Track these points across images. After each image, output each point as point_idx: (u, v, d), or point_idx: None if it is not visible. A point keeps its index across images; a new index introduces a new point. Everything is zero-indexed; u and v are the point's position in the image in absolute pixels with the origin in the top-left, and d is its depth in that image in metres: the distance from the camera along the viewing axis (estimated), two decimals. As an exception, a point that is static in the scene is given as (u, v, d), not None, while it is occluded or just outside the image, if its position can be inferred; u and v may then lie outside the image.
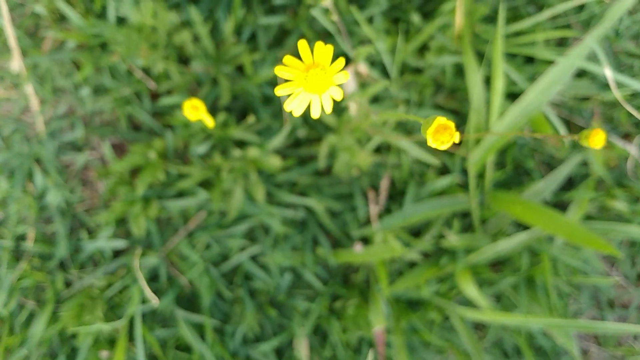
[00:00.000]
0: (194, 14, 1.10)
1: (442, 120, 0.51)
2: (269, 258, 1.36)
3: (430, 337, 1.41)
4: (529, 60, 1.44)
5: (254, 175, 1.19)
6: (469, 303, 1.45)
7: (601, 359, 1.77)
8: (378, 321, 1.29)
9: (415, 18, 1.29)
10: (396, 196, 1.43)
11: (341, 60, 0.54)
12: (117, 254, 1.35)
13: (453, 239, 1.35)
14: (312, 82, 0.54)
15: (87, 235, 1.31)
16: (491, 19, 1.36)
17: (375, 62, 1.36)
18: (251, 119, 1.17)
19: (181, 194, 1.30)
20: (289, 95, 0.56)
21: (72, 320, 1.22)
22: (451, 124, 0.52)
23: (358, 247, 1.22)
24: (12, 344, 1.26)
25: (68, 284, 1.34)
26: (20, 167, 1.28)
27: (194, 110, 0.84)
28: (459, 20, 1.24)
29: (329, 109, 0.56)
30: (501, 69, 1.20)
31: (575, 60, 1.17)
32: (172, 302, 1.32)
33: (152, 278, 1.35)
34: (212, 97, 1.26)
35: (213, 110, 1.28)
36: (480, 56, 1.36)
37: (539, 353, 1.61)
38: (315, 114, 0.57)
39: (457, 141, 0.51)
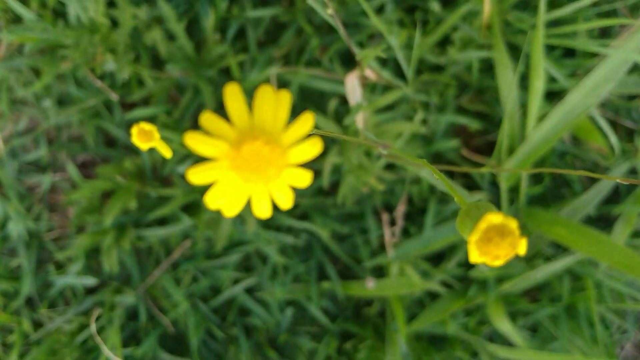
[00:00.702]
0: (166, 8, 0.91)
1: (496, 219, 0.30)
2: (267, 291, 1.17)
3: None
4: (568, 53, 1.23)
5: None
6: (500, 338, 1.25)
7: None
8: (395, 367, 1.09)
9: (435, 6, 1.08)
10: (414, 215, 1.23)
11: (308, 119, 0.30)
12: (90, 289, 1.16)
13: (484, 268, 1.14)
14: (249, 165, 0.31)
15: (55, 269, 1.13)
16: (525, 4, 1.14)
17: (387, 60, 1.16)
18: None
19: (162, 221, 1.11)
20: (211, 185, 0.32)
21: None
22: (514, 225, 0.30)
23: (370, 284, 1.03)
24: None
25: (38, 324, 1.16)
26: (-24, 193, 1.10)
27: (145, 137, 0.64)
28: (487, 7, 1.03)
29: (287, 204, 0.33)
30: (542, 66, 0.99)
31: (630, 54, 0.95)
32: (154, 345, 1.13)
33: (132, 316, 1.16)
34: (195, 105, 1.07)
35: (197, 121, 1.09)
36: (513, 50, 1.14)
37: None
38: (262, 214, 0.34)
39: (522, 253, 0.30)
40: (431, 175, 0.75)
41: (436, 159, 1.22)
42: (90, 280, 1.09)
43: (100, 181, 0.98)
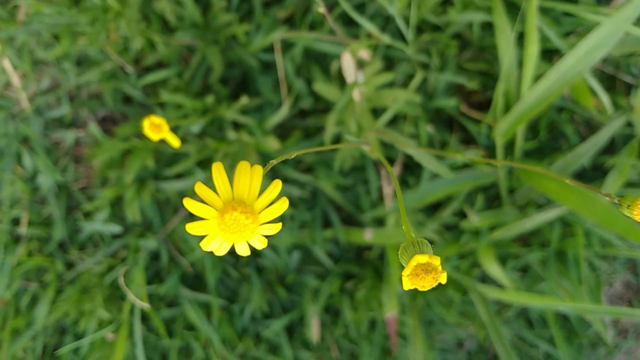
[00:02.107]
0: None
1: (422, 259, 0.38)
2: (275, 236, 1.28)
3: (449, 315, 1.33)
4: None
5: (253, 157, 1.08)
6: (490, 279, 1.36)
7: (633, 324, 1.68)
8: (390, 306, 1.21)
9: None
10: (413, 167, 1.31)
11: (276, 186, 0.39)
12: (117, 235, 1.28)
13: (475, 219, 1.23)
14: (230, 229, 0.40)
15: (83, 217, 1.25)
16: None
17: (388, 20, 1.19)
18: (244, 100, 1.05)
19: (179, 174, 1.20)
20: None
21: (74, 306, 1.18)
22: (437, 262, 0.39)
23: (368, 235, 1.12)
24: (18, 325, 1.24)
25: (71, 265, 1.30)
26: (8, 148, 1.20)
27: (156, 129, 0.71)
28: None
29: (262, 246, 0.43)
30: (536, 32, 1.01)
31: (622, 25, 0.97)
32: (176, 283, 1.26)
33: (155, 258, 1.29)
34: (204, 67, 1.13)
35: (207, 83, 1.16)
36: (514, 7, 1.16)
37: (566, 323, 1.52)
38: (243, 254, 0.44)
39: (443, 282, 0.39)
40: (418, 154, 0.82)
41: (437, 114, 1.28)
42: (116, 228, 1.21)
43: (119, 141, 1.07)
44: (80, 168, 1.28)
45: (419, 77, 1.12)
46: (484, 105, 1.31)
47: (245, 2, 1.12)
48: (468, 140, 1.30)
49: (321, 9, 0.63)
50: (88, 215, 1.25)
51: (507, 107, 1.20)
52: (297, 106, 1.19)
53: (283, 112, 1.08)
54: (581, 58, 1.04)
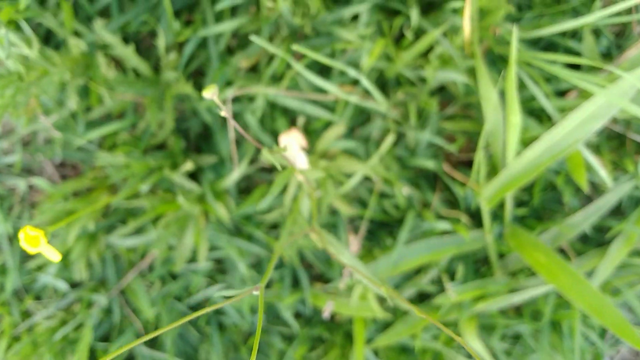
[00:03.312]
0: (108, 36, 0.86)
1: None
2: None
3: (425, 389, 1.21)
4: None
5: (201, 222, 0.99)
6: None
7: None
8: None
9: (414, 15, 0.97)
10: (390, 225, 1.19)
11: None
12: (74, 284, 1.22)
13: (452, 295, 1.11)
14: None
15: (36, 267, 1.19)
16: (511, 18, 1.01)
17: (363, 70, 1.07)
18: (189, 165, 0.95)
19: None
20: None
21: (21, 362, 1.12)
22: None
23: (327, 312, 1.01)
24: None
25: (27, 315, 1.24)
26: (-42, 194, 1.14)
27: (33, 241, 0.63)
28: (467, 27, 0.91)
29: None
30: (516, 104, 0.88)
31: (614, 99, 0.83)
32: (130, 340, 1.19)
33: (108, 313, 1.22)
34: (158, 120, 1.04)
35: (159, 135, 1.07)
36: (501, 61, 1.03)
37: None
38: None
39: None
40: (353, 264, 0.71)
41: (419, 171, 1.16)
42: (63, 285, 1.14)
43: (60, 199, 1.00)
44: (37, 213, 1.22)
45: (389, 139, 1.00)
46: (471, 164, 1.18)
47: (203, 50, 1.03)
48: (453, 202, 1.18)
49: (223, 112, 0.53)
50: (40, 267, 1.19)
51: (495, 170, 1.07)
52: (257, 164, 1.09)
53: (234, 177, 0.98)
54: (573, 129, 0.90)
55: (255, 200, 1.08)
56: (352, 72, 0.89)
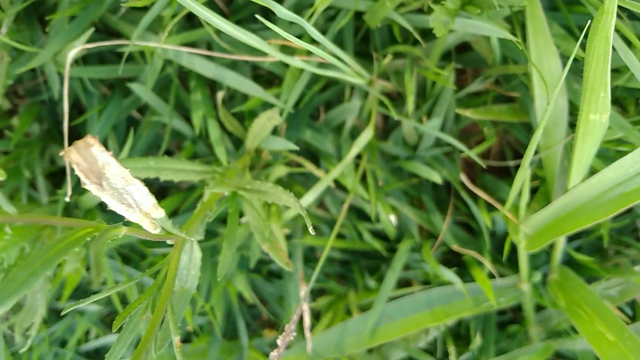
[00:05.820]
0: None
1: None
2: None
3: None
4: None
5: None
6: None
7: None
8: None
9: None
10: (374, 256, 0.78)
11: None
12: None
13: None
14: None
15: None
16: None
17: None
18: None
19: None
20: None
21: None
22: None
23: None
24: None
25: None
26: None
27: None
28: None
29: None
30: (606, 86, 0.45)
31: None
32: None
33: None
34: None
35: None
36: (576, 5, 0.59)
37: None
38: None
39: None
40: None
41: (417, 183, 0.74)
42: None
43: None
44: None
45: (367, 132, 0.58)
46: (503, 175, 0.76)
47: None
48: (470, 229, 0.76)
49: None
50: None
51: (546, 193, 0.65)
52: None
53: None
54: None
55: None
56: (291, 15, 0.46)
